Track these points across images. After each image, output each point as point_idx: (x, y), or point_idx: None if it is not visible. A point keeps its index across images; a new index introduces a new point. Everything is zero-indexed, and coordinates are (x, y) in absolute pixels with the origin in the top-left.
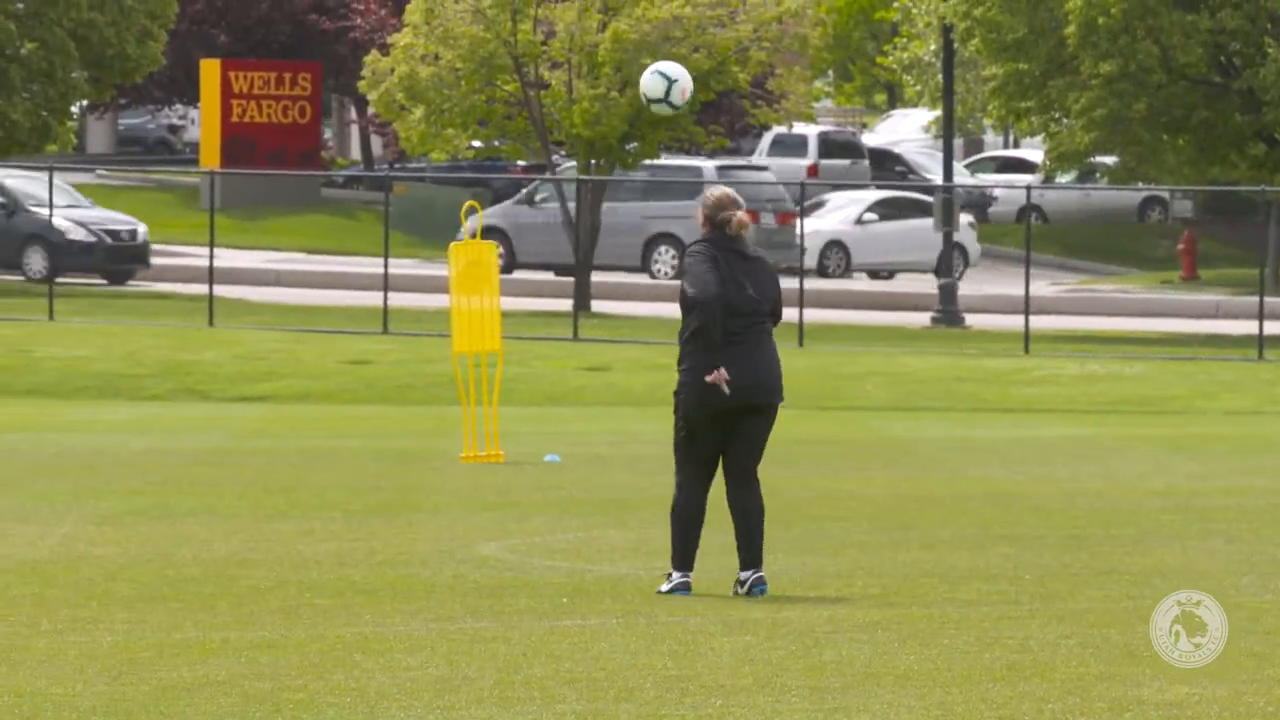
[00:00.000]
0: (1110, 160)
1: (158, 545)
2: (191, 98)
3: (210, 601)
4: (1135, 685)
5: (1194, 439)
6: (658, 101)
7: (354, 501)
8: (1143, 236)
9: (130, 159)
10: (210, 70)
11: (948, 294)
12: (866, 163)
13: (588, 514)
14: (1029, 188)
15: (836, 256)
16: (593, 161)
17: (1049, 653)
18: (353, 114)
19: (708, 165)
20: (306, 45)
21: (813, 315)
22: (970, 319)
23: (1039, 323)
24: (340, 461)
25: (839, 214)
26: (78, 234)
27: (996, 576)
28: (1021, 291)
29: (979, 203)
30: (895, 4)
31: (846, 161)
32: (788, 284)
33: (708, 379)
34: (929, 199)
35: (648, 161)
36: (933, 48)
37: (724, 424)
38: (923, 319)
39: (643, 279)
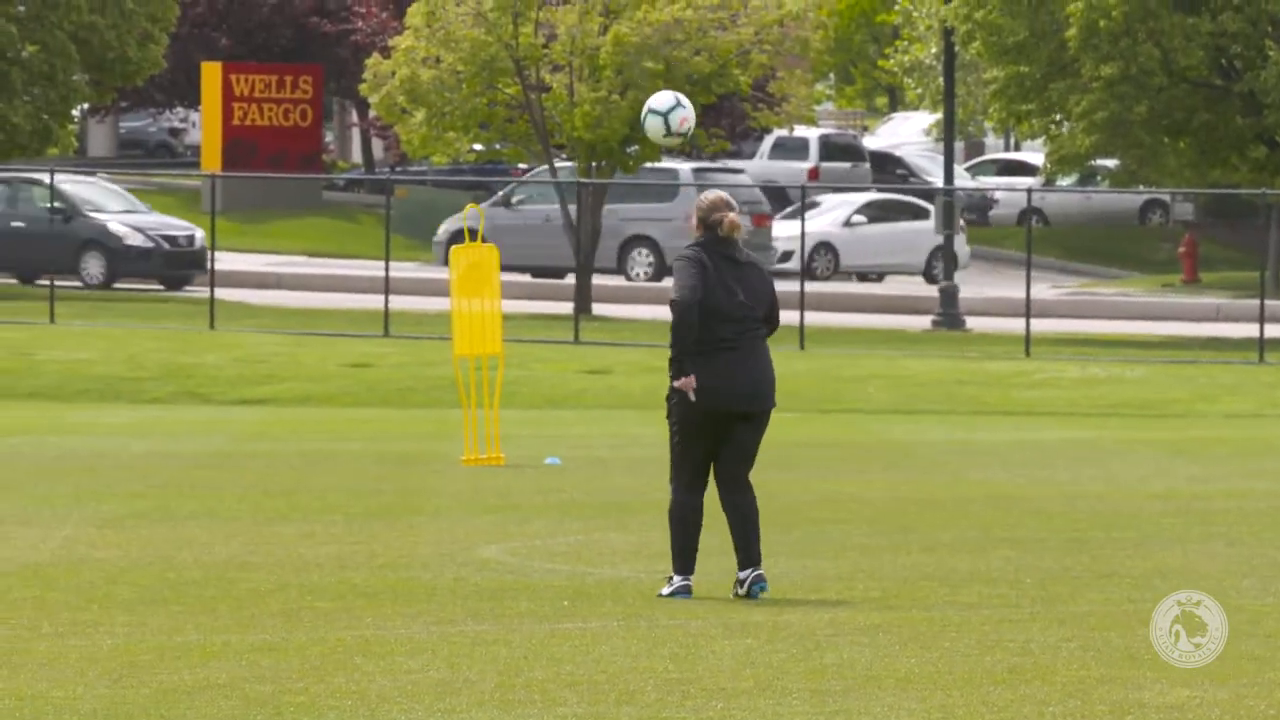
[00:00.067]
0: (1111, 163)
1: (159, 548)
2: (193, 101)
3: (211, 604)
4: (1136, 688)
5: (1195, 442)
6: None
7: (355, 504)
8: (1143, 239)
9: (131, 162)
10: (211, 73)
11: (948, 297)
12: (867, 166)
13: (589, 517)
14: (1030, 190)
15: (825, 258)
16: (594, 164)
17: (1050, 656)
18: (354, 117)
19: (684, 168)
20: (308, 48)
21: (813, 318)
22: (971, 322)
23: (1040, 326)
24: (341, 464)
25: (827, 216)
26: (135, 239)
27: (997, 579)
28: (1022, 294)
29: (980, 205)
30: (896, 7)
31: (847, 164)
32: (789, 286)
33: (675, 384)
34: (918, 201)
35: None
36: (934, 51)
37: (717, 428)
38: (923, 322)
39: (644, 283)
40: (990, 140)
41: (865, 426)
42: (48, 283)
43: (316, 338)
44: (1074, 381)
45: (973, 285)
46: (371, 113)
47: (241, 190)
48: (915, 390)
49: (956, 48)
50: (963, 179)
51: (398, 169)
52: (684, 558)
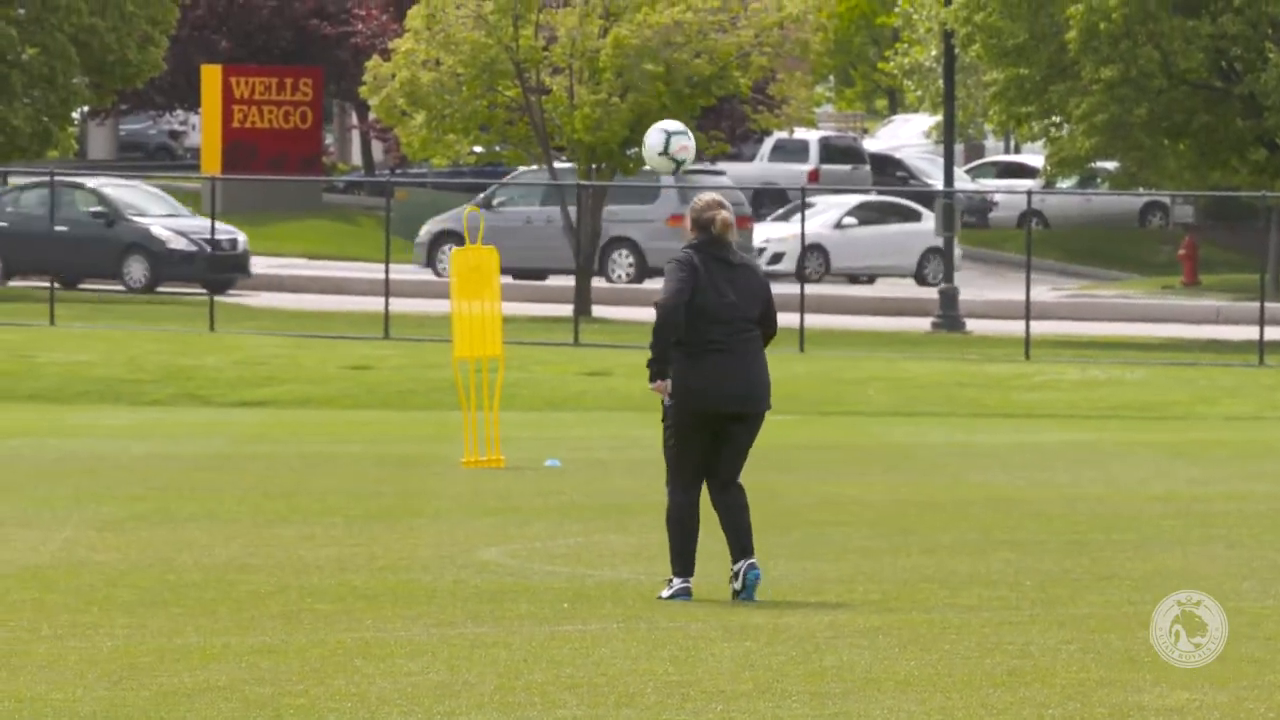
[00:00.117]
0: (1111, 165)
1: (158, 550)
2: (193, 103)
3: (211, 607)
4: (1136, 691)
5: (1195, 444)
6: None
7: (355, 506)
8: (1143, 242)
9: (131, 165)
10: (211, 76)
11: (948, 299)
12: (867, 168)
13: (588, 519)
14: (1030, 193)
15: (815, 261)
16: (594, 166)
17: (1050, 658)
18: (354, 119)
19: None
20: (308, 51)
21: (813, 320)
22: (971, 324)
23: (1040, 328)
24: (341, 466)
25: (818, 218)
26: (178, 243)
27: (997, 582)
28: (1022, 297)
29: (980, 208)
30: (896, 9)
31: (847, 167)
32: (789, 290)
33: (651, 387)
34: (909, 203)
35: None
36: (934, 53)
37: (711, 430)
38: (923, 324)
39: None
40: (990, 143)
41: (865, 429)
42: (91, 287)
43: (316, 340)
44: (1074, 384)
45: (973, 287)
46: (371, 115)
47: (241, 193)
48: (915, 392)
49: (956, 50)
50: (963, 181)
51: (398, 171)
52: (683, 560)
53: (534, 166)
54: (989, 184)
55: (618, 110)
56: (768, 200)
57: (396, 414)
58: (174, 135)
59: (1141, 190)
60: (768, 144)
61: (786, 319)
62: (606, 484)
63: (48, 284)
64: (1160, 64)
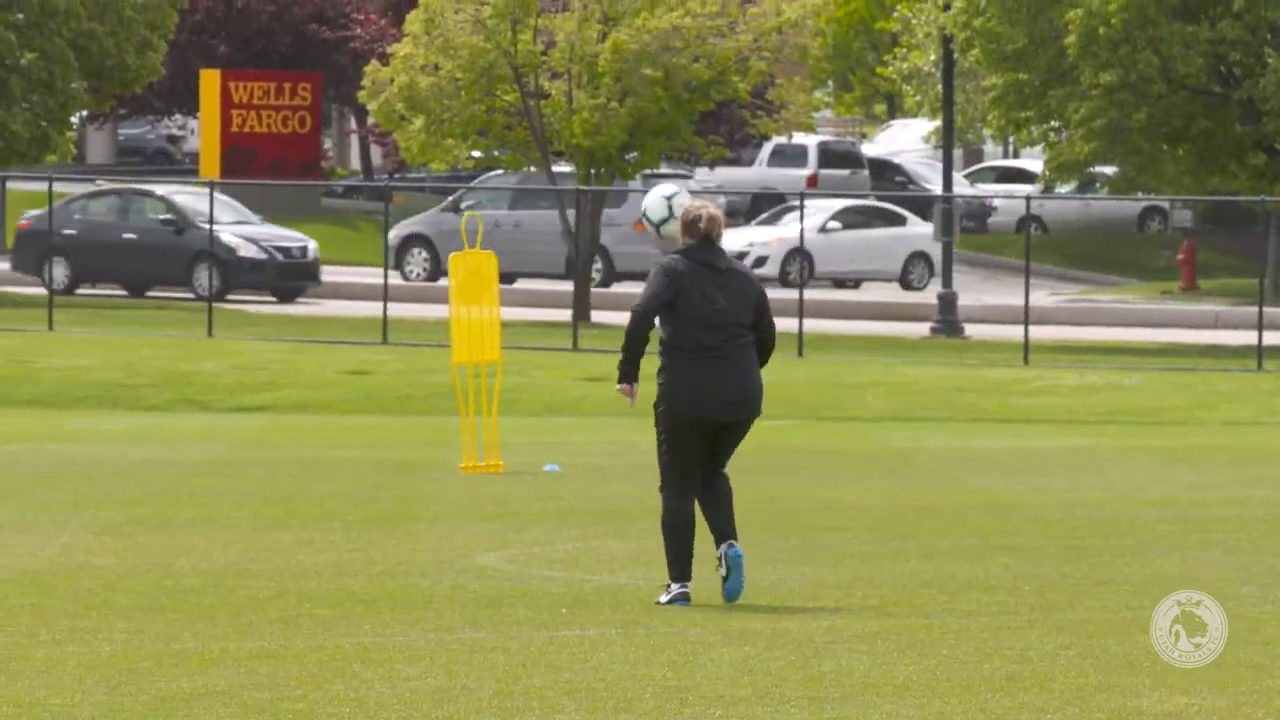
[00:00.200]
0: (1110, 170)
1: (156, 555)
2: (191, 108)
3: (209, 612)
4: (1134, 696)
5: (1193, 450)
6: (664, 222)
7: (353, 512)
8: (1142, 247)
9: (130, 169)
10: (210, 80)
11: (947, 304)
12: (866, 173)
13: (587, 524)
14: (1029, 198)
15: (799, 265)
16: (592, 171)
17: (1048, 663)
18: (353, 124)
19: None
20: (306, 55)
21: (812, 325)
22: (970, 329)
23: (1038, 333)
24: (339, 472)
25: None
26: (248, 251)
27: (995, 587)
28: (1021, 302)
29: (978, 213)
30: (895, 14)
31: (846, 172)
32: (789, 294)
33: (617, 388)
34: (894, 208)
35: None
36: (932, 58)
37: (703, 436)
38: (922, 329)
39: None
40: (989, 147)
41: (864, 434)
42: (159, 294)
43: (315, 345)
44: (1072, 389)
45: (971, 292)
46: (370, 120)
47: (240, 197)
48: (914, 397)
49: (955, 55)
50: (961, 186)
51: (396, 176)
52: (680, 565)
53: (533, 169)
54: (988, 189)
55: (616, 115)
56: (766, 205)
57: (395, 419)
58: (172, 140)
59: (1140, 195)
60: (766, 149)
61: (785, 324)
62: (605, 489)
63: (117, 292)
64: (1159, 69)
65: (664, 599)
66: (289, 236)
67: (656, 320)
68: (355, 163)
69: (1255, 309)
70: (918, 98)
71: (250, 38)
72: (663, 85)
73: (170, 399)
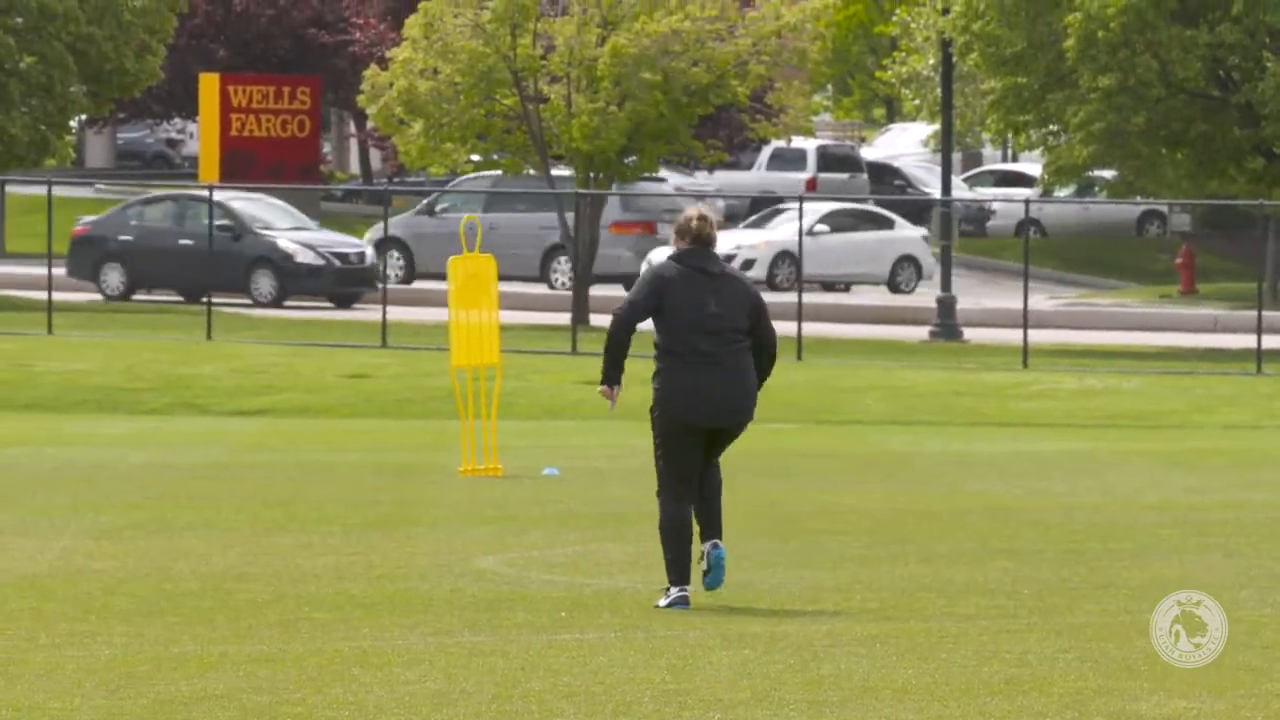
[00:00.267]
0: (1109, 174)
1: (156, 559)
2: (190, 112)
3: (208, 615)
4: (1133, 699)
5: (1192, 453)
6: None
7: (352, 515)
8: (1141, 250)
9: (129, 173)
10: (209, 84)
11: (946, 308)
12: (865, 176)
13: (586, 528)
14: (1027, 202)
15: (787, 268)
16: (591, 175)
17: (1047, 667)
18: (352, 128)
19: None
20: (305, 59)
21: (811, 329)
22: (968, 333)
23: (1037, 337)
24: (339, 475)
25: (790, 225)
26: (306, 256)
27: (994, 591)
28: (1020, 305)
29: (977, 216)
30: (894, 18)
31: (845, 175)
32: (788, 298)
33: (599, 389)
34: (882, 211)
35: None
36: (931, 62)
37: (697, 440)
38: (921, 333)
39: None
40: (988, 151)
41: (863, 437)
42: (210, 300)
43: (314, 348)
44: (1071, 393)
45: (970, 296)
46: (369, 124)
47: None
48: (913, 401)
49: (954, 59)
50: (960, 190)
51: (395, 180)
52: (679, 568)
53: (532, 172)
54: (986, 193)
55: (615, 119)
56: (765, 209)
57: (394, 422)
58: (171, 144)
59: (1139, 199)
60: (765, 153)
61: (783, 328)
62: (604, 493)
63: (173, 299)
64: (1158, 73)
65: (663, 602)
66: (346, 242)
67: (651, 324)
68: (354, 166)
69: (1254, 313)
70: (916, 101)
71: (249, 41)
72: (662, 89)
73: (169, 402)
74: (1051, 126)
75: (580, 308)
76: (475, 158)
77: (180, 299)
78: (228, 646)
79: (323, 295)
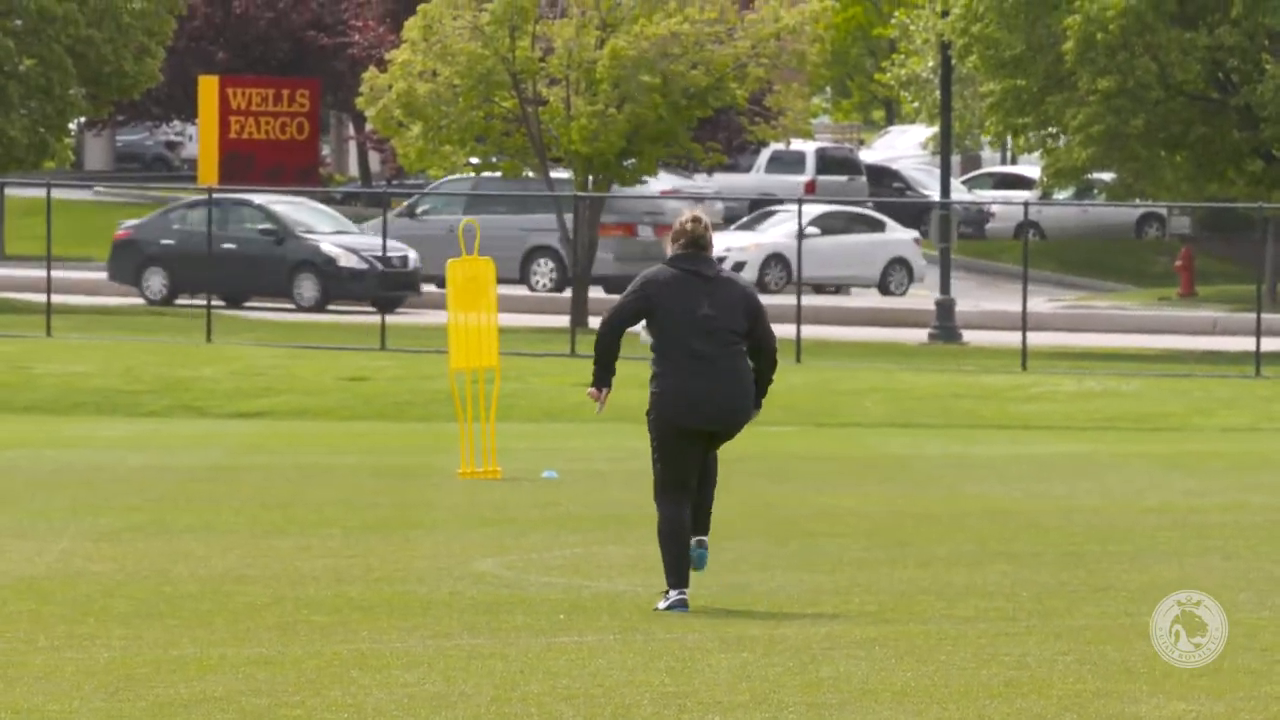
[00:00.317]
0: (1108, 176)
1: (155, 562)
2: (189, 114)
3: (207, 618)
4: (1132, 702)
5: (1191, 456)
6: None
7: (351, 518)
8: (1140, 253)
9: (128, 176)
10: (208, 86)
11: (945, 310)
12: (864, 179)
13: (585, 530)
14: (1026, 204)
15: (777, 270)
16: (590, 177)
17: (1046, 669)
18: (351, 130)
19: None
20: (305, 62)
21: (810, 332)
22: (968, 335)
23: (1036, 339)
24: (338, 478)
25: (781, 228)
26: (349, 261)
27: (993, 593)
28: (1019, 308)
29: (976, 219)
30: (893, 21)
31: (844, 178)
32: (788, 300)
33: (588, 391)
34: (874, 214)
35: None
36: (930, 64)
37: (693, 442)
38: (920, 335)
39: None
40: (987, 153)
41: (862, 440)
42: (257, 305)
43: (313, 351)
44: (1070, 395)
45: (969, 299)
46: (368, 126)
47: None
48: (912, 404)
49: (953, 61)
50: (959, 192)
51: (394, 182)
52: (678, 571)
53: (531, 174)
54: (985, 195)
55: (614, 121)
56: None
57: (393, 425)
58: (171, 146)
59: (1138, 201)
60: (764, 155)
61: (782, 330)
62: (604, 495)
63: (213, 303)
64: (1157, 75)
65: (662, 605)
66: (390, 246)
67: (644, 327)
68: (353, 169)
69: (1253, 315)
70: (915, 104)
71: (248, 44)
72: (661, 92)
73: (169, 405)
74: (1050, 129)
75: (579, 310)
76: (474, 160)
77: (222, 304)
78: (226, 649)
79: (366, 300)
